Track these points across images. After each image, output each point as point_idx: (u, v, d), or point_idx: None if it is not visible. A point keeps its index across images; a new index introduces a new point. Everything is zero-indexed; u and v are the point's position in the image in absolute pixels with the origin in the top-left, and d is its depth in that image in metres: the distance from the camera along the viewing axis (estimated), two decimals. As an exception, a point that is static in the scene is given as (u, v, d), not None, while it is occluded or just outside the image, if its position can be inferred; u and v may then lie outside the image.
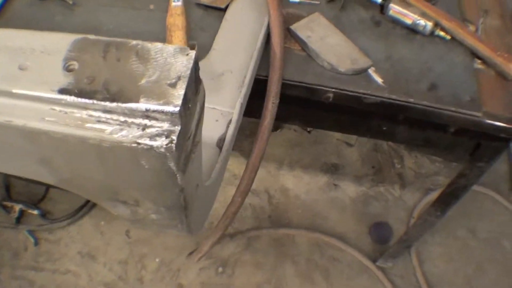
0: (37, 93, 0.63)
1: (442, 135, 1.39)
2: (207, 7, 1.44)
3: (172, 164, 0.63)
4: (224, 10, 1.42)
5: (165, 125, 0.60)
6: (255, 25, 1.34)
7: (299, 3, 1.48)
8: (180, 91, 0.60)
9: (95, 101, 0.61)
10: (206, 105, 1.20)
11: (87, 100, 0.61)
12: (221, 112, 1.21)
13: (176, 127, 0.60)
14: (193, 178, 0.76)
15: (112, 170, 0.70)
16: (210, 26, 1.40)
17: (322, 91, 1.34)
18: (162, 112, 0.59)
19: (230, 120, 1.19)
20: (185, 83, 0.60)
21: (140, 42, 0.65)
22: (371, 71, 1.34)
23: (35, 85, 0.64)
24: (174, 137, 0.59)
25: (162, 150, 0.59)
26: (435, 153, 2.60)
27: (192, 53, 0.63)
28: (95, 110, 0.62)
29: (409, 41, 1.42)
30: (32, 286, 2.22)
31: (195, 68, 0.63)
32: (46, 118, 0.64)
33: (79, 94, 0.61)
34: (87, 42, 0.66)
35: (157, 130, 0.60)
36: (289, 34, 1.40)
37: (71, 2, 1.45)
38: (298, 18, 1.43)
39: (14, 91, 0.64)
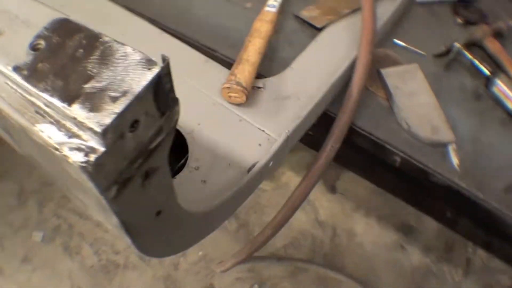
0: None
1: (504, 243, 1.18)
2: (303, 22, 1.34)
3: (93, 186, 0.54)
4: (319, 30, 1.31)
5: (91, 141, 0.52)
6: (343, 57, 1.22)
7: (403, 47, 1.32)
8: (116, 108, 0.50)
9: (35, 89, 0.54)
10: (255, 124, 1.13)
11: (29, 86, 0.54)
12: (268, 137, 1.11)
13: (101, 147, 0.51)
14: (145, 205, 0.66)
15: (52, 167, 0.63)
16: (299, 43, 1.29)
17: (391, 151, 1.18)
18: (86, 126, 0.50)
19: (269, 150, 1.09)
20: (129, 100, 0.51)
21: (112, 41, 0.56)
22: (450, 148, 1.16)
23: (-1, 54, 0.58)
24: (93, 158, 0.51)
25: (76, 166, 0.51)
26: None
27: (155, 69, 0.53)
28: (38, 98, 0.55)
29: (503, 128, 1.22)
30: (70, 230, 2.26)
31: (155, 87, 0.53)
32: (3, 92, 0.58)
33: (27, 77, 0.55)
34: (65, 25, 0.59)
35: (81, 143, 0.52)
36: (377, 77, 1.26)
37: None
38: (394, 63, 1.28)
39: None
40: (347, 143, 1.19)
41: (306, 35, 1.31)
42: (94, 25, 1.33)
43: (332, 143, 1.16)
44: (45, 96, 0.53)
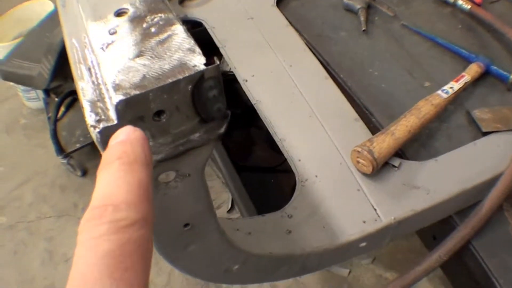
0: (83, 13, 0.61)
1: None
2: (472, 121, 1.21)
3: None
4: (482, 134, 1.17)
5: (111, 112, 0.50)
6: (490, 168, 1.08)
7: None
8: (140, 89, 0.48)
9: (94, 47, 0.55)
10: (371, 200, 1.04)
11: (92, 42, 0.56)
12: (376, 218, 1.01)
13: (115, 120, 0.49)
14: (166, 208, 0.63)
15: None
16: (457, 139, 1.18)
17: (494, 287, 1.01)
18: (110, 95, 0.50)
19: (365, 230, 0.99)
20: (155, 86, 0.48)
21: (183, 31, 0.55)
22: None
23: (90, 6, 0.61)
24: (102, 125, 0.49)
25: (88, 127, 0.50)
26: None
27: (197, 68, 0.50)
28: (92, 55, 0.56)
29: None
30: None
31: (193, 86, 0.50)
32: (75, 39, 0.61)
33: (95, 35, 0.56)
34: (156, 2, 0.59)
35: (103, 109, 0.51)
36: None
37: (391, 14, 1.53)
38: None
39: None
40: (457, 258, 1.05)
41: (468, 134, 1.18)
42: (269, 46, 1.38)
43: (441, 253, 1.03)
44: (98, 55, 0.54)
